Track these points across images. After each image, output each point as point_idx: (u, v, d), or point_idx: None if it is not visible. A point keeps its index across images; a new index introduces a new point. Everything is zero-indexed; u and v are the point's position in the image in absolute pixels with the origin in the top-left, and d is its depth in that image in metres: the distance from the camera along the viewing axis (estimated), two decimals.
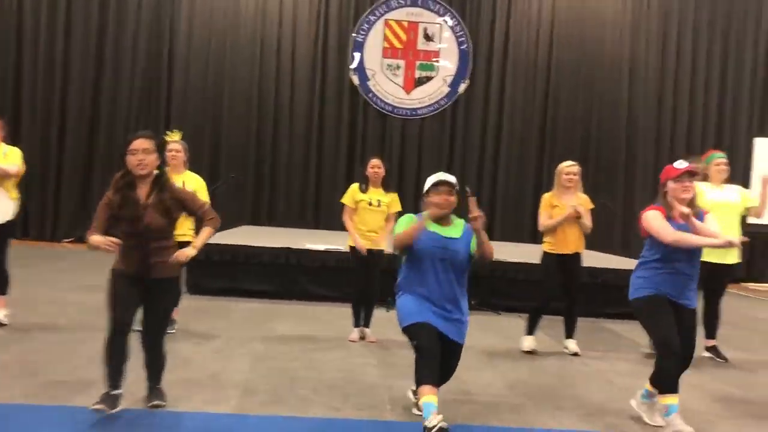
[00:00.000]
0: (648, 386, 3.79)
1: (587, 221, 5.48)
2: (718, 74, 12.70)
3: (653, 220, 3.70)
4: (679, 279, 3.68)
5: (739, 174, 12.05)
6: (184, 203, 3.54)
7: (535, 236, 11.41)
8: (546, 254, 5.55)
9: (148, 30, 11.95)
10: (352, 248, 5.62)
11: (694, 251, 3.70)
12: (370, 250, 5.53)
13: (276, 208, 12.13)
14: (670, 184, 3.74)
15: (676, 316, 3.65)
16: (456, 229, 3.64)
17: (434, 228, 3.58)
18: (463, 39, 12.28)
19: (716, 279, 5.46)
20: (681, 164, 3.77)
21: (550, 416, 3.90)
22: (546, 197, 5.57)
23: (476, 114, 12.36)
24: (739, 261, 5.57)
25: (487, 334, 6.10)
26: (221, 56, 12.01)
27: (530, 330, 5.57)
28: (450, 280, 3.55)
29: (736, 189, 5.74)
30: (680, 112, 12.67)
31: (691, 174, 3.72)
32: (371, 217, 5.58)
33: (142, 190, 3.43)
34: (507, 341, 5.78)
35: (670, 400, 3.43)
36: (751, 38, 12.69)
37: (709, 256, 5.22)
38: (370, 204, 5.57)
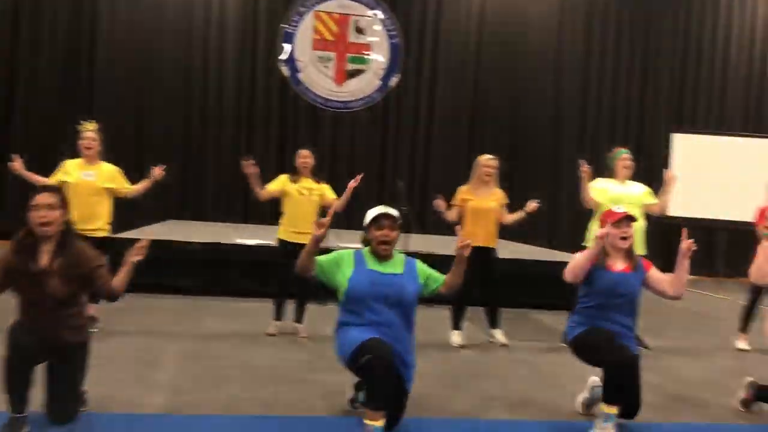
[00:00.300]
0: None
1: (511, 216, 5.68)
2: (639, 70, 13.19)
3: (572, 260, 3.68)
4: (615, 327, 3.63)
5: (658, 168, 12.60)
6: (90, 271, 3.17)
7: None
8: None
9: (68, 19, 11.44)
10: (281, 240, 5.58)
11: (628, 303, 3.65)
12: (302, 246, 5.49)
13: (204, 202, 11.88)
14: (610, 230, 3.67)
15: None
16: (397, 264, 3.44)
17: (373, 266, 3.38)
18: (394, 33, 12.31)
19: None
20: (619, 208, 3.74)
21: (478, 406, 3.97)
22: (461, 190, 5.66)
23: (408, 108, 12.44)
24: (644, 252, 5.68)
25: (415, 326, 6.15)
26: (146, 45, 11.62)
27: (456, 324, 5.65)
28: (396, 321, 3.31)
29: (639, 185, 5.90)
30: (604, 107, 13.09)
31: (630, 219, 3.68)
32: (303, 209, 5.53)
33: (45, 252, 3.10)
34: (435, 332, 5.84)
35: (610, 410, 3.44)
36: (669, 34, 13.22)
37: None
38: (301, 193, 5.55)
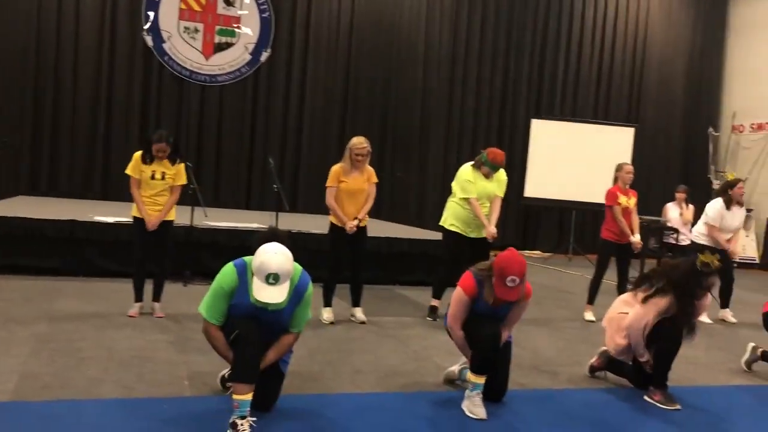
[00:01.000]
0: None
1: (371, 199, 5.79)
2: (503, 57, 13.76)
3: (453, 302, 3.78)
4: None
5: (520, 151, 13.31)
6: None
7: None
8: (332, 225, 5.73)
9: None
10: (136, 218, 5.35)
11: (496, 316, 3.79)
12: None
13: (59, 178, 11.08)
14: (498, 283, 3.60)
15: None
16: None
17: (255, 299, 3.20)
18: (264, 7, 12.04)
19: (479, 251, 5.93)
20: (513, 282, 3.56)
21: (348, 381, 4.05)
22: (335, 170, 5.70)
23: (279, 84, 12.23)
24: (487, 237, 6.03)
25: None
26: None
27: (327, 301, 5.72)
28: (270, 338, 3.29)
29: (496, 182, 6.15)
30: (469, 91, 13.54)
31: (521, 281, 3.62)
32: (155, 191, 5.33)
33: None
34: None
35: (478, 379, 3.62)
36: (530, 24, 13.89)
37: (471, 234, 6.08)
38: (153, 177, 5.33)
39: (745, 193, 7.04)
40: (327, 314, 5.67)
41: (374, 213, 6.35)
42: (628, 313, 4.23)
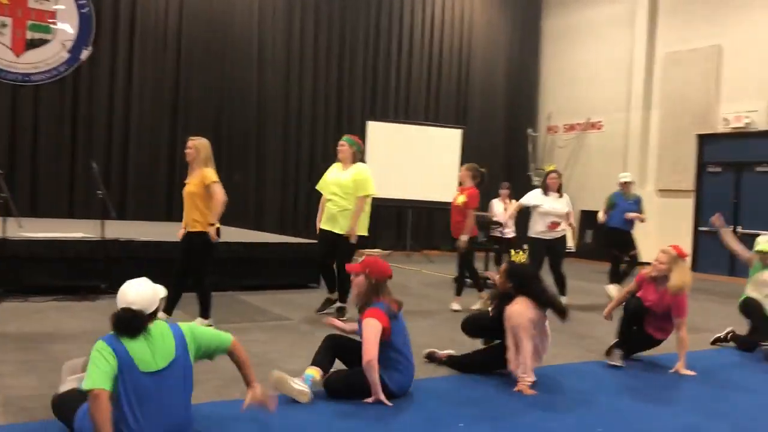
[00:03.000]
0: None
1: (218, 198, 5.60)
2: (336, 59, 13.92)
3: (371, 330, 3.87)
4: None
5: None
6: None
7: (171, 214, 11.15)
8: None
9: None
10: None
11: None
12: None
13: None
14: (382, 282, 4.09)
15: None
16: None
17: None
18: (84, 2, 11.26)
19: (341, 247, 6.14)
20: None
21: None
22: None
23: (102, 84, 11.48)
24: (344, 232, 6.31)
25: None
26: None
27: (167, 309, 5.44)
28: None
29: (349, 173, 6.39)
30: (305, 93, 13.55)
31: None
32: None
33: None
34: None
35: (313, 372, 3.92)
36: (362, 27, 14.19)
37: (325, 225, 6.37)
38: None
39: (558, 181, 7.80)
40: None
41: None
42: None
